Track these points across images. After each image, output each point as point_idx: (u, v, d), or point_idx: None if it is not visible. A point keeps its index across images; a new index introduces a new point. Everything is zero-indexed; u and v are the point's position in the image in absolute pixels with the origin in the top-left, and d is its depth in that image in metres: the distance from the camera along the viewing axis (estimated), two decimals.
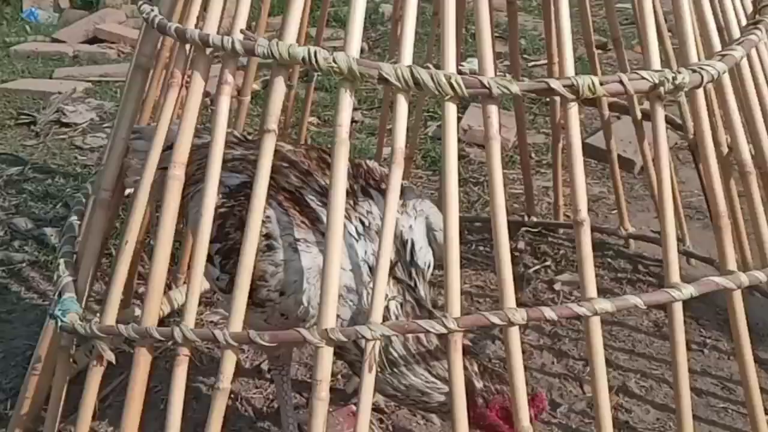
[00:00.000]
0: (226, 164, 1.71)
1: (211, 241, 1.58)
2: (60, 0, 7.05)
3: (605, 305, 1.50)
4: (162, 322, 1.97)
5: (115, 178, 1.79)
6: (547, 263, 2.76)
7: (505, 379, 1.60)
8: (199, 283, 1.54)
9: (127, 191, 1.90)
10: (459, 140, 1.60)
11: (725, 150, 1.85)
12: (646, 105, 1.69)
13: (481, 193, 3.24)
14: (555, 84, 1.50)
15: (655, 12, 1.67)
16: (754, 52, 1.74)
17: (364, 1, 1.49)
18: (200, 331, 1.51)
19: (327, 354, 1.46)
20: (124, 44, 5.66)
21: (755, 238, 1.70)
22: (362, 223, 1.66)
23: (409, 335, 1.57)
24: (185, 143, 1.58)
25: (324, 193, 1.63)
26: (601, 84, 1.51)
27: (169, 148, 1.62)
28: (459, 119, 2.90)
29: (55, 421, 1.73)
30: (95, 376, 1.62)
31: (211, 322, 2.38)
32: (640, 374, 2.24)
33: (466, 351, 1.51)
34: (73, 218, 1.95)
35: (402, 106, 1.49)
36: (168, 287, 2.36)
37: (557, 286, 2.63)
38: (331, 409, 1.49)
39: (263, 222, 1.58)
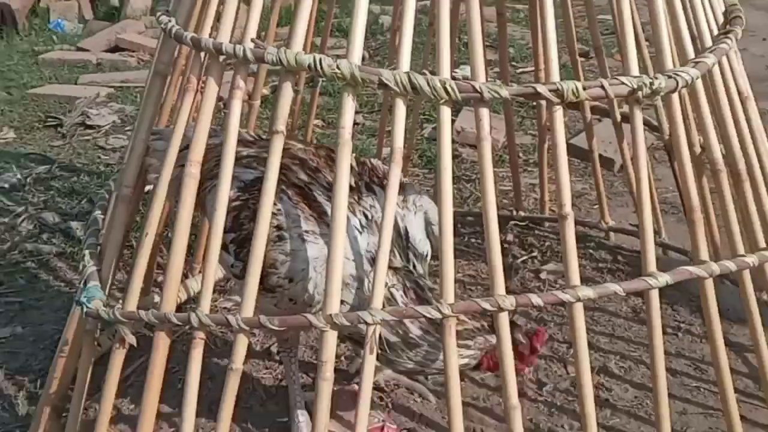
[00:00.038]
0: (241, 161, 1.72)
1: (227, 231, 1.59)
2: (84, 12, 7.04)
3: (587, 292, 1.50)
4: (179, 308, 1.97)
5: (135, 175, 1.79)
6: (534, 254, 2.76)
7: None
8: (214, 272, 1.54)
9: (147, 188, 1.90)
10: (453, 141, 1.60)
11: (698, 150, 1.85)
12: (625, 108, 1.69)
13: (473, 189, 3.24)
14: (541, 89, 1.50)
15: (633, 22, 1.67)
16: (724, 59, 1.74)
17: (364, 13, 1.49)
18: (215, 317, 1.52)
19: (331, 337, 1.46)
20: (144, 52, 5.66)
21: (725, 230, 1.70)
22: (365, 216, 1.66)
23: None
24: (200, 143, 1.58)
25: (331, 189, 1.63)
26: (584, 89, 1.51)
27: (186, 148, 1.62)
28: (453, 121, 2.90)
29: (81, 399, 1.74)
30: (118, 357, 1.63)
31: (225, 308, 2.38)
32: (620, 356, 2.24)
33: None
34: (97, 213, 1.95)
35: (400, 109, 1.49)
36: (185, 276, 2.37)
37: (543, 275, 2.63)
38: (335, 388, 1.49)
39: (275, 214, 1.59)
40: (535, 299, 1.50)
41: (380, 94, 3.71)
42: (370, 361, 1.46)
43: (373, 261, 1.52)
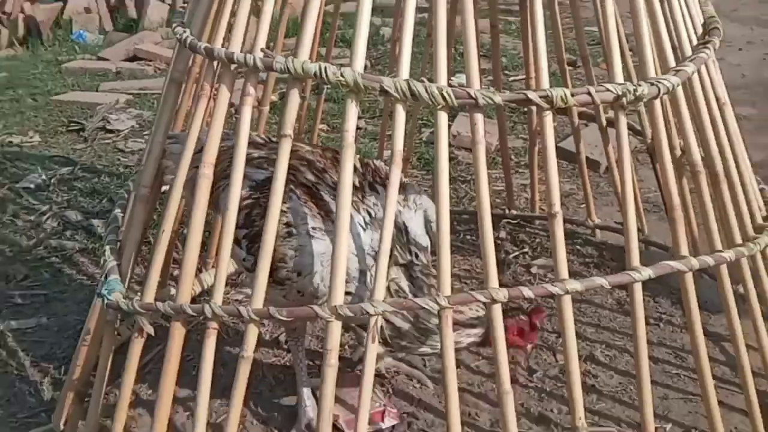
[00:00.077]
0: (253, 162, 1.72)
1: (239, 227, 1.59)
2: (105, 23, 7.03)
3: (575, 285, 1.50)
4: (194, 300, 1.97)
5: (153, 176, 1.79)
6: (525, 250, 2.76)
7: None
8: (226, 266, 1.54)
9: (164, 188, 1.90)
10: (449, 144, 1.60)
11: (678, 153, 1.86)
12: (611, 114, 1.69)
13: (468, 189, 3.24)
14: (532, 95, 1.50)
15: (618, 33, 1.66)
16: (703, 68, 1.74)
17: (366, 25, 1.49)
18: (227, 308, 1.52)
19: (336, 327, 1.46)
20: (160, 62, 5.65)
21: (704, 227, 1.70)
22: (369, 214, 1.67)
23: None
24: (213, 146, 1.58)
25: (336, 188, 1.64)
26: (572, 95, 1.51)
27: (200, 150, 1.62)
28: (449, 126, 2.90)
29: (102, 384, 1.74)
30: (137, 346, 1.63)
31: (236, 300, 2.38)
32: (605, 345, 2.24)
33: None
34: (117, 211, 1.95)
35: (400, 114, 1.49)
36: (199, 270, 2.36)
37: (534, 270, 2.63)
38: (339, 375, 1.49)
39: (284, 212, 1.59)
40: (527, 292, 1.50)
41: (381, 100, 3.71)
42: (372, 350, 1.46)
43: (376, 255, 1.52)
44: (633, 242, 1.56)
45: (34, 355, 2.24)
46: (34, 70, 5.52)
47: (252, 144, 1.63)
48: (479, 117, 1.49)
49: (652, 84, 1.57)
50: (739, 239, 1.72)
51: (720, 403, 1.66)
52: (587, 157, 2.84)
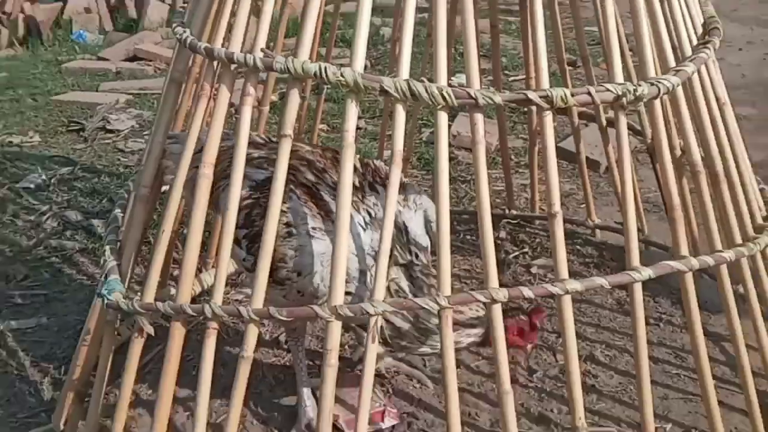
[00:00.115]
0: (253, 162, 1.72)
1: (239, 227, 1.59)
2: (105, 23, 7.03)
3: (575, 285, 1.50)
4: (194, 300, 1.97)
5: (153, 176, 1.79)
6: (525, 250, 2.76)
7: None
8: (226, 266, 1.54)
9: (163, 188, 1.90)
10: (449, 144, 1.59)
11: (678, 153, 1.85)
12: (611, 114, 1.69)
13: (468, 189, 3.24)
14: (532, 95, 1.50)
15: (618, 33, 1.66)
16: (703, 68, 1.74)
17: (366, 25, 1.49)
18: (227, 308, 1.52)
19: (336, 327, 1.46)
20: (160, 62, 5.65)
21: (704, 227, 1.70)
22: (369, 214, 1.66)
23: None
24: (213, 146, 1.58)
25: (336, 188, 1.64)
26: (572, 95, 1.51)
27: (200, 150, 1.62)
28: (449, 126, 2.89)
29: (102, 384, 1.74)
30: (137, 346, 1.63)
31: (236, 300, 2.38)
32: (605, 345, 2.24)
33: None
34: (117, 211, 1.95)
35: (400, 114, 1.49)
36: (199, 270, 2.36)
37: (534, 270, 2.63)
38: (339, 375, 1.49)
39: (284, 212, 1.59)
40: (527, 291, 1.50)
41: (381, 100, 3.71)
42: (372, 350, 1.46)
43: (376, 255, 1.52)
44: (633, 242, 1.56)
45: (34, 355, 2.24)
46: (34, 70, 5.52)
47: (252, 144, 1.63)
48: (479, 117, 1.49)
49: (652, 84, 1.57)
50: (739, 239, 1.72)
51: (720, 403, 1.66)
52: (587, 157, 2.84)
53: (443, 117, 1.49)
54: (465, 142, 3.55)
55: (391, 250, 1.64)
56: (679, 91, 1.65)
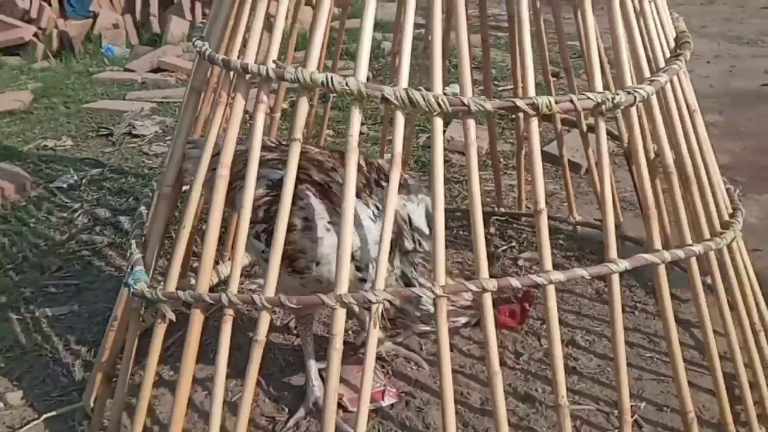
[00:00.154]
0: (269, 163, 1.73)
1: (259, 222, 1.60)
2: (131, 38, 7.03)
3: (558, 276, 1.50)
4: (212, 289, 1.97)
5: (174, 177, 1.78)
6: (513, 244, 2.76)
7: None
8: (241, 259, 1.54)
9: (184, 187, 1.90)
10: (444, 148, 1.59)
11: (652, 156, 1.85)
12: (591, 120, 1.68)
13: (461, 189, 3.23)
14: (520, 103, 1.50)
15: (597, 47, 1.66)
16: (675, 78, 1.73)
17: (369, 39, 1.48)
18: (242, 296, 1.52)
19: (341, 314, 1.46)
20: (181, 73, 5.65)
21: (676, 224, 1.69)
22: (377, 208, 1.67)
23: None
24: (230, 149, 1.58)
25: None
26: (556, 103, 1.51)
27: (217, 154, 1.62)
28: (444, 131, 2.89)
29: (128, 366, 1.74)
30: (160, 331, 1.63)
31: (250, 289, 2.38)
32: (585, 330, 2.23)
33: None
34: (142, 208, 1.95)
35: (399, 120, 1.48)
36: (216, 262, 2.37)
37: (520, 262, 2.63)
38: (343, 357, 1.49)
39: (302, 208, 1.60)
40: (514, 282, 1.50)
41: (382, 107, 3.70)
42: (374, 335, 1.46)
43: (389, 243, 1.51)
44: (611, 237, 1.55)
45: (66, 339, 2.25)
46: (67, 81, 5.52)
47: (264, 147, 1.62)
48: (471, 123, 1.49)
49: (629, 93, 1.57)
50: (707, 234, 1.72)
51: (689, 383, 1.66)
52: (569, 160, 2.83)
53: (438, 123, 1.49)
54: (458, 145, 3.55)
55: (398, 239, 1.65)
56: (654, 99, 1.64)
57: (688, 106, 1.78)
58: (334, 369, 1.44)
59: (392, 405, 1.90)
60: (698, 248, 1.66)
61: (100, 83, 5.43)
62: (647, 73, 1.67)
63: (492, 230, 2.84)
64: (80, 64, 6.17)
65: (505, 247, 2.73)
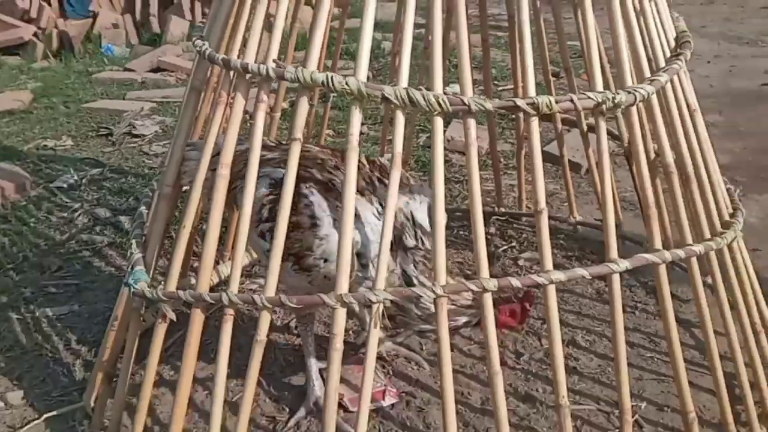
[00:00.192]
0: (271, 162, 1.73)
1: (264, 221, 1.60)
2: (131, 38, 7.03)
3: (559, 276, 1.50)
4: (212, 289, 1.97)
5: (174, 177, 1.78)
6: (513, 244, 2.76)
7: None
8: (241, 258, 1.54)
9: (184, 187, 1.90)
10: (444, 148, 1.59)
11: (653, 155, 1.84)
12: (591, 120, 1.68)
13: (461, 189, 3.23)
14: (520, 102, 1.50)
15: (598, 46, 1.66)
16: (676, 78, 1.73)
17: (369, 39, 1.48)
18: (242, 296, 1.52)
19: (341, 314, 1.46)
20: (181, 72, 5.64)
21: (676, 224, 1.69)
22: (381, 205, 1.67)
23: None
24: (230, 149, 1.58)
25: None
26: (556, 102, 1.51)
27: (217, 154, 1.62)
28: (444, 131, 2.89)
29: (129, 366, 1.74)
30: (160, 331, 1.63)
31: (251, 289, 2.38)
32: (586, 330, 2.23)
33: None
34: (142, 208, 1.95)
35: (400, 120, 1.48)
36: (216, 262, 2.37)
37: (521, 262, 2.63)
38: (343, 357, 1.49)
39: (308, 206, 1.60)
40: (514, 282, 1.50)
41: (382, 107, 3.70)
42: (375, 335, 1.46)
43: (391, 243, 1.51)
44: (611, 237, 1.55)
45: (66, 339, 2.25)
46: (67, 80, 5.52)
47: (264, 147, 1.62)
48: (471, 122, 1.49)
49: (629, 92, 1.57)
50: (707, 234, 1.72)
51: (690, 383, 1.66)
52: (570, 160, 2.83)
53: (439, 122, 1.49)
54: (458, 145, 3.55)
55: (401, 236, 1.65)
56: (654, 99, 1.64)
57: (688, 106, 1.78)
58: (334, 369, 1.44)
59: (393, 405, 1.90)
60: (699, 248, 1.66)
61: (100, 83, 5.42)
62: (647, 73, 1.67)
63: (492, 230, 2.84)
64: (80, 64, 6.17)
65: (505, 247, 2.73)
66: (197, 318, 1.57)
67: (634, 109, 1.60)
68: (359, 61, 1.47)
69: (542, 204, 1.50)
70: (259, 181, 1.63)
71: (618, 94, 1.55)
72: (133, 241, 1.80)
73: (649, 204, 1.61)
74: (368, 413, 1.44)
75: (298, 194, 1.62)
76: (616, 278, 1.54)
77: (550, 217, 2.08)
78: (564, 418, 1.49)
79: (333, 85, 1.46)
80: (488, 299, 1.48)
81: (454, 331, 1.80)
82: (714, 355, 1.68)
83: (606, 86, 1.64)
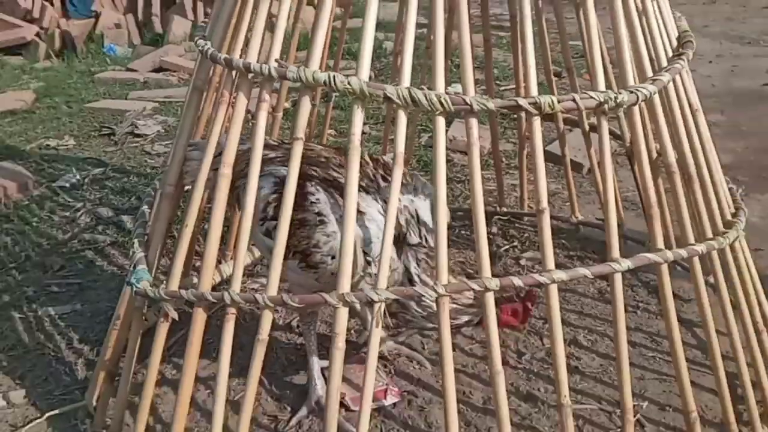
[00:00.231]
0: (274, 161, 1.73)
1: (269, 219, 1.60)
2: (133, 38, 7.03)
3: (561, 275, 1.50)
4: (214, 288, 1.96)
5: (177, 176, 1.79)
6: (515, 244, 2.76)
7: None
8: (243, 257, 1.54)
9: (187, 186, 1.90)
10: (446, 147, 1.59)
11: (655, 155, 1.85)
12: (593, 119, 1.68)
13: (463, 189, 3.23)
14: (522, 102, 1.50)
15: (600, 46, 1.66)
16: (678, 77, 1.73)
17: (371, 39, 1.48)
18: (244, 295, 1.52)
19: (343, 313, 1.46)
20: (183, 72, 5.64)
21: (678, 223, 1.69)
22: (385, 202, 1.67)
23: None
24: (232, 148, 1.58)
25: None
26: (558, 102, 1.51)
27: (220, 154, 1.62)
28: (446, 131, 2.88)
29: (131, 365, 1.74)
30: (162, 330, 1.63)
31: (253, 288, 2.38)
32: (587, 330, 2.23)
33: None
34: (145, 208, 1.95)
35: (401, 119, 1.48)
36: (218, 261, 2.37)
37: (523, 262, 2.62)
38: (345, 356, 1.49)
39: (314, 203, 1.60)
40: (516, 281, 1.50)
41: (384, 107, 3.70)
42: (377, 334, 1.46)
43: (394, 240, 1.50)
44: (613, 236, 1.55)
45: (69, 338, 2.25)
46: (69, 80, 5.52)
47: (266, 146, 1.63)
48: (474, 122, 1.49)
49: (632, 92, 1.57)
50: (710, 234, 1.72)
51: (692, 383, 1.66)
52: (571, 160, 2.83)
53: (441, 122, 1.49)
54: (460, 145, 3.54)
55: (405, 233, 1.65)
56: (656, 98, 1.64)
57: (690, 106, 1.78)
58: (336, 368, 1.44)
59: (394, 404, 1.90)
60: (701, 248, 1.66)
61: (103, 83, 5.43)
62: (650, 73, 1.67)
63: (494, 230, 2.84)
64: (82, 64, 6.17)
65: (507, 247, 2.73)
66: (199, 317, 1.57)
67: (636, 108, 1.60)
68: (361, 61, 1.47)
69: (544, 203, 1.50)
70: (264, 180, 1.63)
71: (620, 93, 1.55)
72: (136, 240, 1.80)
73: (651, 203, 1.61)
74: (370, 412, 1.44)
75: (304, 192, 1.62)
76: (618, 278, 1.54)
77: (551, 217, 2.08)
78: (566, 417, 1.49)
79: (335, 84, 1.47)
80: (490, 298, 1.48)
81: (455, 329, 1.80)
82: (716, 355, 1.68)
83: (608, 86, 1.64)
